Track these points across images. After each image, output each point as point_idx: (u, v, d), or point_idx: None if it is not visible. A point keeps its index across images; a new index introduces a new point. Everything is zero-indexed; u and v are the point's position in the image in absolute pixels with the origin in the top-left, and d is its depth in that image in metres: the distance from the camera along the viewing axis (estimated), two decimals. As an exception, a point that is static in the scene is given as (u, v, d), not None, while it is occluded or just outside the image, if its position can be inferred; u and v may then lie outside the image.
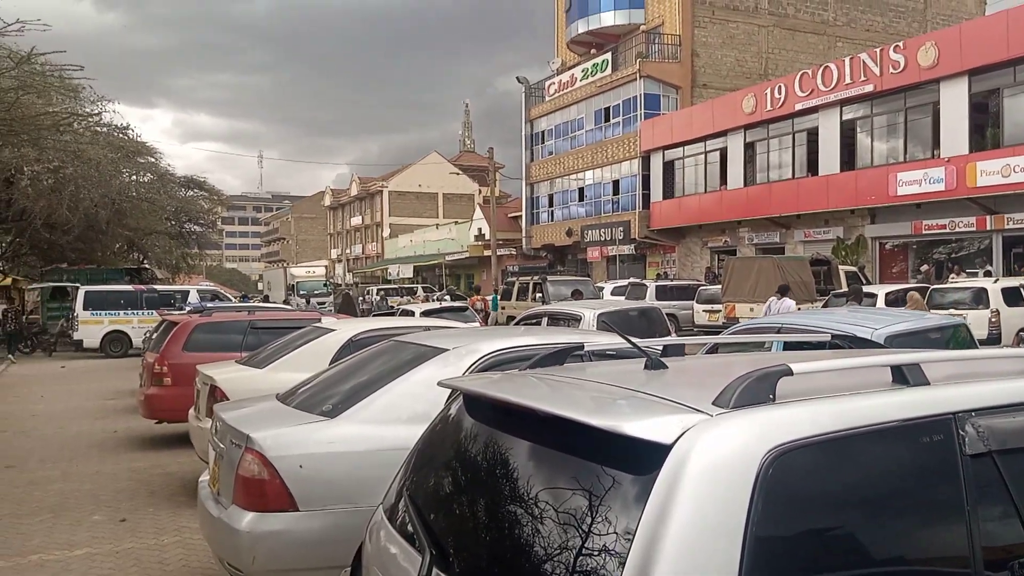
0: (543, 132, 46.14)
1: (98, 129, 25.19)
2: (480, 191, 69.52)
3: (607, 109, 40.40)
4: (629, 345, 2.86)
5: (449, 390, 2.83)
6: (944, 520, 2.02)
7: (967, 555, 1.97)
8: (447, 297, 31.15)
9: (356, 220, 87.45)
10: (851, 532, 1.91)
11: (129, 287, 25.56)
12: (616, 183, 40.01)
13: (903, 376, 2.22)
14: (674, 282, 29.26)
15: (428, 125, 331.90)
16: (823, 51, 39.04)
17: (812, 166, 29.71)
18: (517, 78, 46.64)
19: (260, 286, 66.04)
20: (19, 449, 9.96)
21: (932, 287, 18.66)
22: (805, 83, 29.18)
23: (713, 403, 1.94)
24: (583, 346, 3.48)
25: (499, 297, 28.42)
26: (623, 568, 1.70)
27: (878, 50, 27.11)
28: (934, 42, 25.13)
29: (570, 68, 43.83)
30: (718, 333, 10.68)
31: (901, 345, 6.04)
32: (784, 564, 1.79)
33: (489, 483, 2.28)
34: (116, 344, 23.79)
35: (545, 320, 11.25)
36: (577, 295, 19.80)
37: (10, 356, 24.30)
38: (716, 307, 23.44)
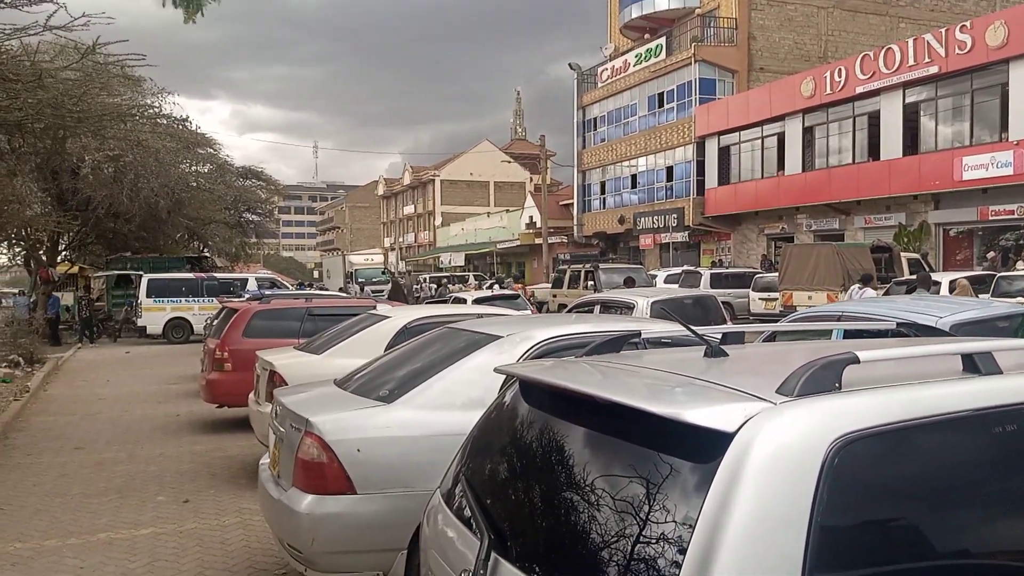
0: (595, 119, 45.74)
1: (159, 120, 25.78)
2: (531, 179, 69.34)
3: (661, 94, 39.86)
4: (686, 333, 2.78)
5: (503, 377, 2.83)
6: (1016, 513, 1.97)
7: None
8: (496, 285, 31.16)
9: (408, 209, 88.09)
10: (918, 524, 1.87)
11: (190, 275, 26.20)
12: (670, 169, 39.50)
13: (974, 365, 2.17)
14: (729, 270, 28.81)
15: (479, 114, 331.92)
16: (885, 32, 37.90)
17: (873, 150, 28.93)
18: (569, 65, 46.29)
19: (316, 273, 66.96)
20: (87, 431, 10.33)
21: (998, 274, 18.13)
22: (866, 65, 28.39)
23: (777, 391, 1.91)
24: (639, 333, 3.40)
25: (551, 285, 28.38)
26: (684, 557, 1.69)
27: (943, 30, 26.20)
28: (1004, 21, 24.15)
29: (623, 54, 43.33)
30: (775, 322, 10.47)
31: (968, 333, 5.84)
32: (849, 555, 1.76)
33: (545, 469, 2.28)
34: (178, 330, 24.48)
35: (597, 308, 11.13)
36: (629, 283, 19.61)
37: (88, 339, 25.18)
38: (773, 295, 23.03)
